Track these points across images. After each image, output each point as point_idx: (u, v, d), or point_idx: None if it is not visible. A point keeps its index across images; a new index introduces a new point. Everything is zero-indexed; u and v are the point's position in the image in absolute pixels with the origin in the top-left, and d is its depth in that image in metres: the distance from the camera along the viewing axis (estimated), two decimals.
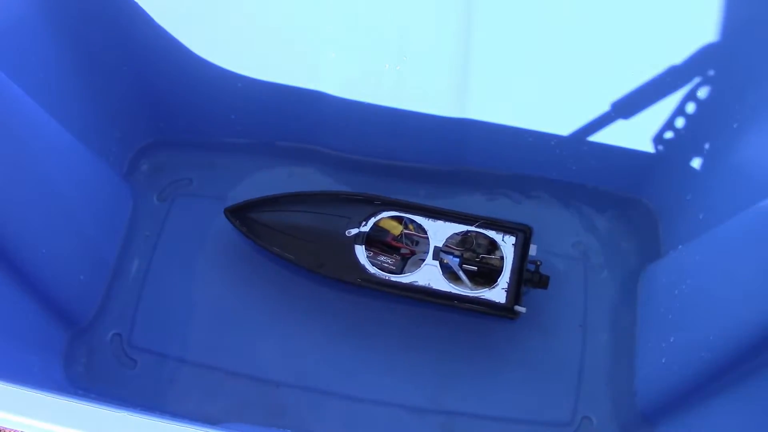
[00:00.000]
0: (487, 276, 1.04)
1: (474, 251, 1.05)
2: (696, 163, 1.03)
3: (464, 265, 1.04)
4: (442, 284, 1.03)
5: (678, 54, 0.93)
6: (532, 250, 1.03)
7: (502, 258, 1.03)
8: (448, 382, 1.05)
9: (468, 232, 1.05)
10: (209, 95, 1.14)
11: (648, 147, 1.07)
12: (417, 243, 1.07)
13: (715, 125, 0.98)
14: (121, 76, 1.10)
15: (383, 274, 1.04)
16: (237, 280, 1.13)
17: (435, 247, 1.05)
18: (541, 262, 1.04)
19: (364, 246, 1.06)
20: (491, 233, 1.05)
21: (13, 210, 0.90)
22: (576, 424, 1.02)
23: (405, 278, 1.04)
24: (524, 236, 1.04)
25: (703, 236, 0.96)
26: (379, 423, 1.03)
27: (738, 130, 0.94)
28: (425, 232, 1.06)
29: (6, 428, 0.58)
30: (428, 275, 1.04)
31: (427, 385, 1.05)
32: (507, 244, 1.04)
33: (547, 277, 1.03)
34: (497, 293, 1.01)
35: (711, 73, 0.94)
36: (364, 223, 1.07)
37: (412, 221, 1.07)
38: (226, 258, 1.15)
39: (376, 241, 1.08)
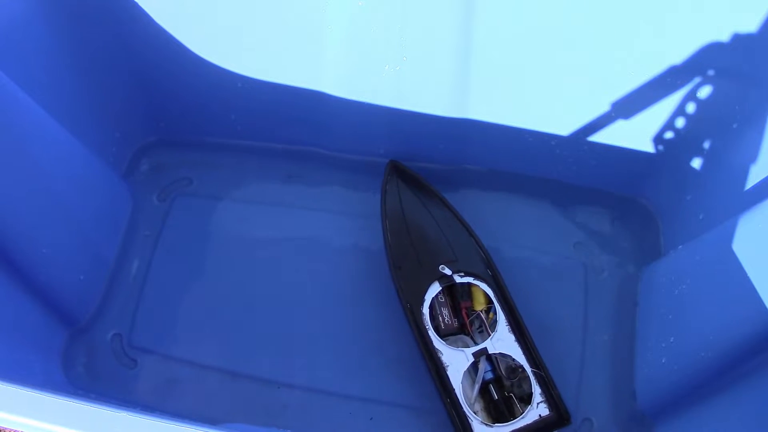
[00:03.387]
0: (496, 411, 0.97)
1: (512, 385, 0.99)
2: (696, 163, 1.03)
3: (490, 386, 0.98)
4: (456, 379, 0.98)
5: (678, 54, 0.93)
6: None
7: (521, 414, 0.95)
8: None
9: (522, 368, 0.98)
10: (209, 95, 1.14)
11: (648, 147, 1.07)
12: (480, 331, 1.03)
13: (715, 125, 0.98)
14: (121, 76, 1.10)
15: (428, 322, 1.01)
16: (237, 280, 1.13)
17: (485, 349, 1.00)
18: None
19: (441, 289, 1.04)
20: (537, 388, 0.97)
21: (13, 209, 0.90)
22: (576, 425, 1.02)
23: (437, 342, 1.00)
24: (556, 419, 0.96)
25: (703, 236, 0.96)
26: (379, 422, 1.03)
27: (738, 130, 0.94)
28: (493, 331, 1.01)
29: (6, 428, 0.58)
30: (455, 360, 0.99)
31: (427, 384, 1.05)
32: (535, 410, 0.96)
33: None
34: (481, 430, 0.94)
35: (711, 73, 0.94)
36: (462, 274, 1.04)
37: (496, 313, 1.02)
38: (226, 258, 1.15)
39: (454, 295, 1.05)
